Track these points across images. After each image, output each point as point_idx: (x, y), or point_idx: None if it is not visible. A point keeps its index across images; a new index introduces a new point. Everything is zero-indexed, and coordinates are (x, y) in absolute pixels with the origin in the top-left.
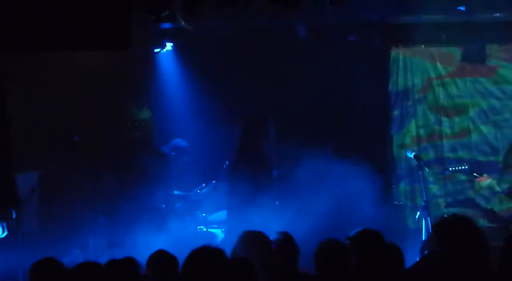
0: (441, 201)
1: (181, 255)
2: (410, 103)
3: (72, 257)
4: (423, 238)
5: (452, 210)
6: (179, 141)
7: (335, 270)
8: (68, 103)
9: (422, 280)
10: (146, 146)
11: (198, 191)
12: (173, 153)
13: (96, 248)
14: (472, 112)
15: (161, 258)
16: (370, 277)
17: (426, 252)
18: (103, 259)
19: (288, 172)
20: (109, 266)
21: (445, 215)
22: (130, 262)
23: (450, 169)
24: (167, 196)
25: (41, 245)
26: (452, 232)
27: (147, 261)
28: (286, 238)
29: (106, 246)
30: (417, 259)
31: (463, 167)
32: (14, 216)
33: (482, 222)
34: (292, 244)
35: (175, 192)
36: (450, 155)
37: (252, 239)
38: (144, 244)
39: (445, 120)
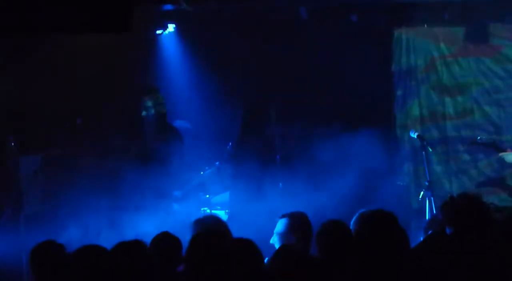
0: (445, 181)
1: (184, 236)
2: (413, 83)
3: (69, 235)
4: (427, 218)
5: (482, 189)
6: (181, 123)
7: (337, 252)
8: (70, 85)
9: (426, 260)
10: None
11: (201, 173)
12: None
13: (94, 227)
14: (475, 92)
15: (165, 240)
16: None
17: (430, 232)
18: (100, 238)
19: (293, 154)
20: (116, 249)
21: (449, 195)
22: (137, 245)
23: (478, 139)
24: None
25: (43, 228)
26: (460, 211)
27: (150, 243)
28: (301, 219)
29: (105, 225)
30: (421, 239)
31: (490, 140)
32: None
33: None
34: (308, 225)
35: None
36: (454, 134)
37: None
38: (144, 225)
39: (448, 100)
